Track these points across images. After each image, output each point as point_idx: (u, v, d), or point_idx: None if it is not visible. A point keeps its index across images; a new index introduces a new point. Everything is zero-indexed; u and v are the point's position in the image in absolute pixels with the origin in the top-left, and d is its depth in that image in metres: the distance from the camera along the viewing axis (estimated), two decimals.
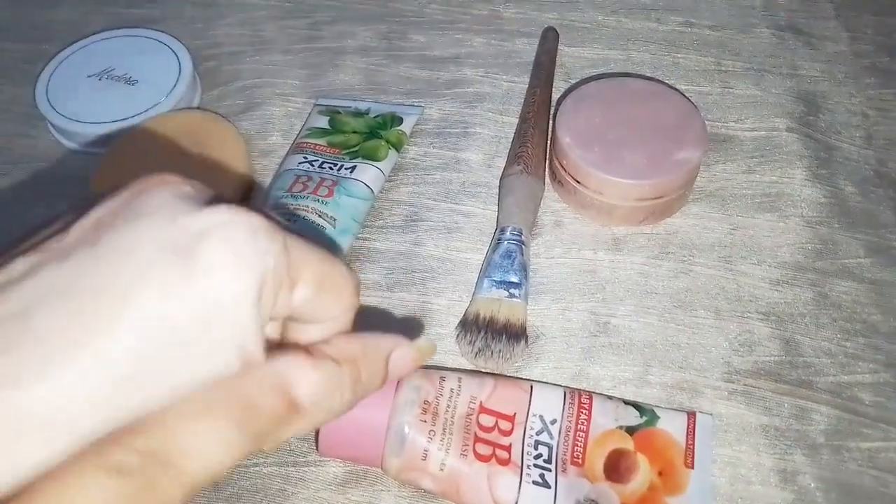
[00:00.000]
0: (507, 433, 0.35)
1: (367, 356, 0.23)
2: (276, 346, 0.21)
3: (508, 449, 0.34)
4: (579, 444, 0.35)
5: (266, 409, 0.19)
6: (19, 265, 0.18)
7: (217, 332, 0.18)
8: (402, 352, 0.25)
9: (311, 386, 0.21)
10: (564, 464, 0.34)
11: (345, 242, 0.42)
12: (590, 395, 0.37)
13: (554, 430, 0.35)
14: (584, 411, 0.36)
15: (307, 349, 0.22)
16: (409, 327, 0.41)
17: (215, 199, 0.20)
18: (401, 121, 0.48)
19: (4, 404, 0.16)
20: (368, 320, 0.41)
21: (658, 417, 0.36)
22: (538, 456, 0.34)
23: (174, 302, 0.17)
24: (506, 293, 0.40)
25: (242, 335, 0.19)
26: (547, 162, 0.47)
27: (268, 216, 0.20)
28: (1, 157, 0.50)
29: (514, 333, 0.39)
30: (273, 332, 0.24)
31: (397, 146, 0.47)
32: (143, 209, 0.19)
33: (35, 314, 0.17)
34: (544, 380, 0.38)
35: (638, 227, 0.44)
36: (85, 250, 0.18)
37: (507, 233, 0.42)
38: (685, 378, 0.38)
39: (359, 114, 0.49)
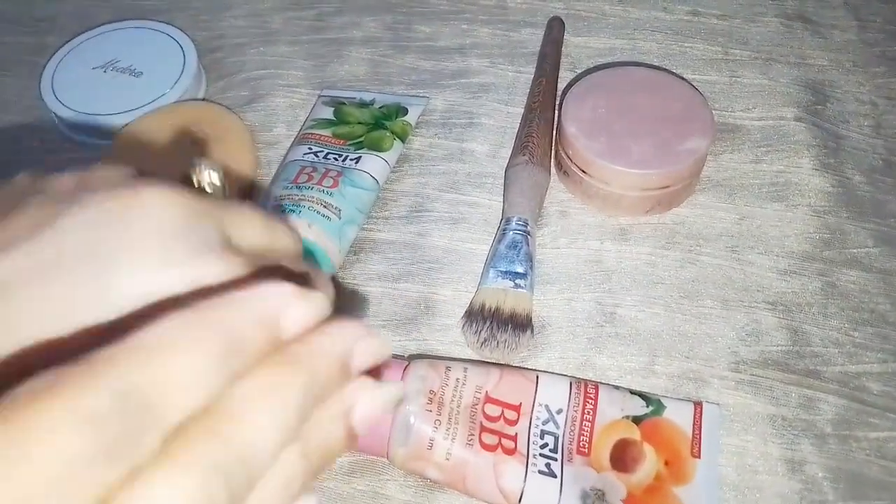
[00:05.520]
0: (513, 423, 0.34)
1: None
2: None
3: (514, 438, 0.34)
4: (585, 433, 0.35)
5: (251, 340, 0.16)
6: None
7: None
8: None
9: (301, 318, 0.17)
10: (570, 453, 0.34)
11: (350, 233, 0.42)
12: (596, 384, 0.37)
13: (560, 419, 0.35)
14: (590, 401, 0.36)
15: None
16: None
17: None
18: (406, 111, 0.48)
19: None
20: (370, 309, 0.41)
21: (664, 407, 0.36)
22: (544, 445, 0.34)
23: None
24: (511, 283, 0.40)
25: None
26: (553, 152, 0.46)
27: None
28: (6, 149, 0.50)
29: (520, 323, 0.39)
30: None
31: (402, 137, 0.47)
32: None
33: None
34: (550, 370, 0.38)
35: (644, 217, 0.44)
36: None
37: (513, 223, 0.42)
38: (692, 368, 0.38)
39: (364, 105, 0.49)
